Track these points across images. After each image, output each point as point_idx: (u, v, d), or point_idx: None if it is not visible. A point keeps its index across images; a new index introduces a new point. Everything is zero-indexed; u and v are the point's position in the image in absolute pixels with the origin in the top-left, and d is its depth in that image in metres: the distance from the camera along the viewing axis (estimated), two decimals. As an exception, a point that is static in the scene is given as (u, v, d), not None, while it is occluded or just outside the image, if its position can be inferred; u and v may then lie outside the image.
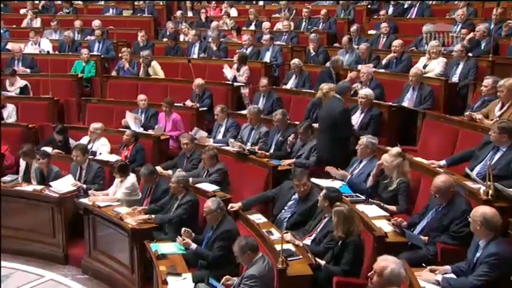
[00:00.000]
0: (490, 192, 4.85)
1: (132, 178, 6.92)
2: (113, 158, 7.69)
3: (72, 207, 6.89)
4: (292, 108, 8.61)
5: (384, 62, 9.10)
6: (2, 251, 6.40)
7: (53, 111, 9.40)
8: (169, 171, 7.21)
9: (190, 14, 13.95)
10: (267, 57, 10.35)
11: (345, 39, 9.86)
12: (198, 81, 9.05)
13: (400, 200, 5.61)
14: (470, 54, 8.33)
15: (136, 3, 14.07)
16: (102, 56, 11.13)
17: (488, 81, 6.73)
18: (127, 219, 6.13)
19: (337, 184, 6.04)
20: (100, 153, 7.91)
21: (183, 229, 5.66)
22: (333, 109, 6.78)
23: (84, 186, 7.14)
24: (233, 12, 13.34)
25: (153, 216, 6.15)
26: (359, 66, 8.92)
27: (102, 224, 6.51)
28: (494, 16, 9.15)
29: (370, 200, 5.68)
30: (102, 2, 14.89)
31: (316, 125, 7.35)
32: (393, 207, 5.57)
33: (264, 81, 8.77)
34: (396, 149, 5.85)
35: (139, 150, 7.82)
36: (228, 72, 9.64)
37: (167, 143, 8.32)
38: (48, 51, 11.34)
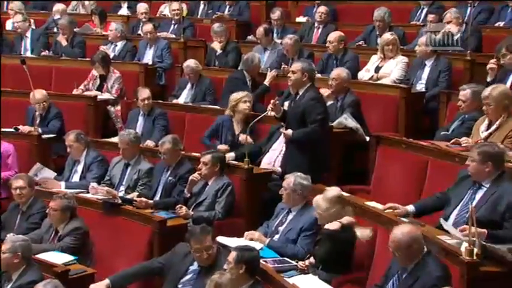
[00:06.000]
0: (476, 250, 4.93)
1: None
2: None
3: None
4: (188, 133, 8.69)
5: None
6: None
7: None
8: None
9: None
10: (148, 58, 10.43)
11: (260, 30, 10.10)
12: (39, 93, 8.90)
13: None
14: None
15: None
16: None
17: (465, 92, 6.98)
18: None
19: (256, 244, 6.08)
20: None
21: None
22: None
23: None
24: (94, -13, 13.31)
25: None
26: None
27: None
28: None
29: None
30: None
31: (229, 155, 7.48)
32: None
33: (144, 92, 8.77)
34: (333, 191, 5.97)
35: None
36: None
37: (-11, 191, 8.09)
38: None
